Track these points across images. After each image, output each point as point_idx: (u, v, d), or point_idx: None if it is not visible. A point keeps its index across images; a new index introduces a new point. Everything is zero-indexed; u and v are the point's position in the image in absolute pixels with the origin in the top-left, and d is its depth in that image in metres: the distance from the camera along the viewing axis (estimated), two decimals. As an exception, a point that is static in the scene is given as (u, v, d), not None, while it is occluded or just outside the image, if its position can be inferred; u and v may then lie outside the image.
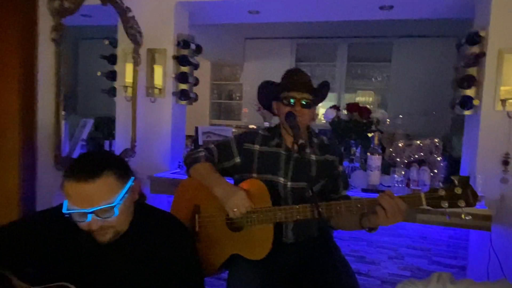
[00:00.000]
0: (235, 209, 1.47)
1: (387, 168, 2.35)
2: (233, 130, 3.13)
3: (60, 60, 1.89)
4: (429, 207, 1.24)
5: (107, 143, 3.13)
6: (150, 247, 1.22)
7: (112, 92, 2.84)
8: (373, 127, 2.49)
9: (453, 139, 4.16)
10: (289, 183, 1.61)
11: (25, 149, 1.76)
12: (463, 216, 1.21)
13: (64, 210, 1.11)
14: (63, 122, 1.98)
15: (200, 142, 2.68)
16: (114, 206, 1.10)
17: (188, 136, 3.24)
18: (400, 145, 2.30)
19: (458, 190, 1.20)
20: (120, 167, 1.16)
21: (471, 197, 1.19)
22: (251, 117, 5.20)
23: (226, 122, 5.92)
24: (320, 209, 1.36)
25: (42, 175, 1.86)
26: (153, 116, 2.77)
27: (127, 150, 2.65)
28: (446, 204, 1.21)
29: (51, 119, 1.91)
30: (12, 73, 1.72)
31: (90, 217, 1.07)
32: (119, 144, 2.76)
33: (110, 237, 1.15)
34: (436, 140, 2.20)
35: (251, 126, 5.34)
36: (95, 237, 1.14)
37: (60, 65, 1.90)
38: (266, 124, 2.82)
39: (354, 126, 2.48)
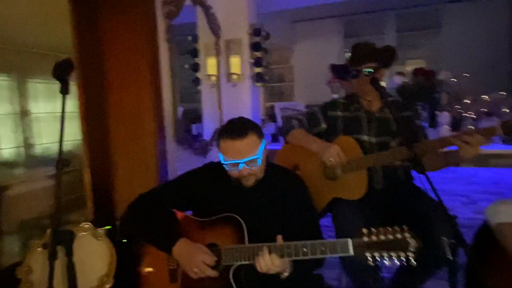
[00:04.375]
0: (331, 159, 1.79)
1: (455, 125, 2.58)
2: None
3: (172, 57, 2.31)
4: (505, 135, 1.48)
5: (194, 127, 3.59)
6: (279, 191, 1.55)
7: (196, 81, 3.27)
8: (438, 89, 2.71)
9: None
10: (373, 139, 1.87)
11: (159, 131, 2.20)
12: None
13: (222, 162, 1.47)
14: (178, 109, 2.42)
15: (278, 117, 3.04)
16: (258, 157, 1.43)
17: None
18: (467, 101, 2.52)
19: None
20: (258, 129, 1.50)
21: None
22: (304, 97, 5.49)
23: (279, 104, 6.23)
24: (414, 148, 1.62)
25: (169, 149, 2.32)
26: (234, 98, 3.17)
27: (217, 130, 3.07)
28: None
29: (171, 107, 2.35)
30: (143, 72, 2.15)
31: (241, 166, 1.40)
32: (207, 126, 3.18)
33: (252, 182, 1.46)
34: (502, 93, 2.40)
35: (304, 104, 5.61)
36: (242, 182, 1.45)
37: (172, 61, 2.31)
38: (335, 96, 3.12)
39: (420, 90, 2.71)
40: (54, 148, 1.83)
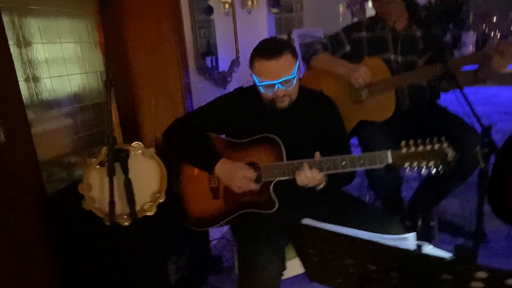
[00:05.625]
0: (359, 80, 1.78)
1: (481, 45, 2.52)
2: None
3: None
4: None
5: (208, 59, 3.51)
6: (311, 112, 1.56)
7: (209, 10, 3.12)
8: (464, 8, 2.60)
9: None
10: (399, 58, 1.84)
11: (182, 62, 2.17)
12: None
13: (257, 83, 1.45)
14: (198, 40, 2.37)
15: (297, 44, 2.97)
16: (293, 77, 1.42)
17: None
18: (494, 19, 2.43)
19: None
20: (293, 49, 1.47)
21: None
22: (313, 27, 5.27)
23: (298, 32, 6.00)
24: (448, 64, 1.61)
25: (192, 80, 2.32)
26: (249, 26, 3.06)
27: (234, 61, 3.01)
28: None
29: (191, 36, 2.29)
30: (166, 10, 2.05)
31: (277, 86, 1.40)
32: (223, 57, 3.11)
33: (287, 103, 1.48)
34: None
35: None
36: (277, 104, 1.46)
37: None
38: (356, 20, 3.01)
39: (445, 9, 2.59)
40: (62, 85, 1.79)
